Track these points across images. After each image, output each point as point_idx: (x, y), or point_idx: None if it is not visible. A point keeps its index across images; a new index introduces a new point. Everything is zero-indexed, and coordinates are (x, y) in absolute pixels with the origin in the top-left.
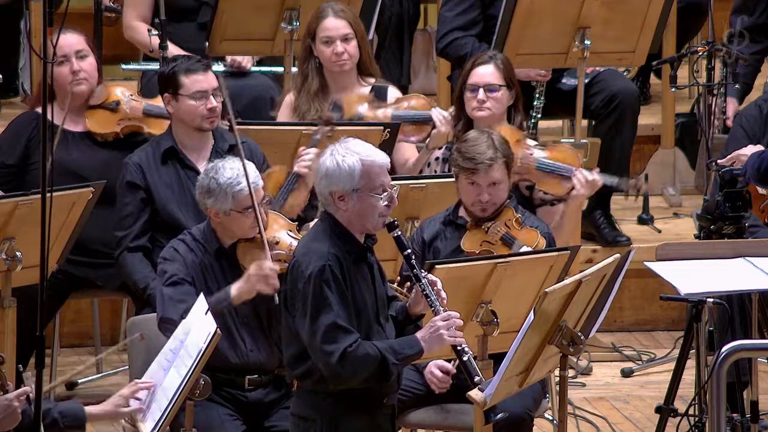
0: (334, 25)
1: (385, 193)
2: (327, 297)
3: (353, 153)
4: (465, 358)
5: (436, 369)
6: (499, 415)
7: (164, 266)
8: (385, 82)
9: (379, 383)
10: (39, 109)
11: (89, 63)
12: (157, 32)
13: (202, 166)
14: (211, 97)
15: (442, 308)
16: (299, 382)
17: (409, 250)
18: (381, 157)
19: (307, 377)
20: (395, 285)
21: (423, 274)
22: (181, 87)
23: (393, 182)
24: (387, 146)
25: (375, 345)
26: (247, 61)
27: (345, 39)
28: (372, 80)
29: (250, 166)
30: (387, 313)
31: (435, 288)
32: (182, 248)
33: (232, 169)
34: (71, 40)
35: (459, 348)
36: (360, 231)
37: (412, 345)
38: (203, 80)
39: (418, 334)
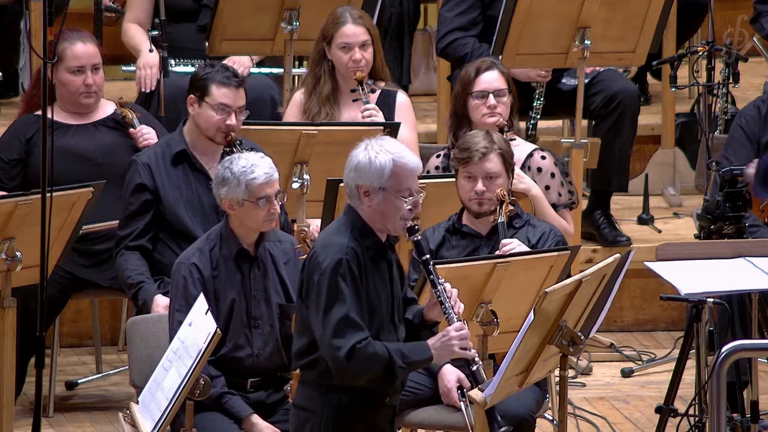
0: (353, 32)
1: (411, 198)
2: (342, 290)
3: (387, 152)
4: (474, 369)
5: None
6: (503, 429)
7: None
8: (395, 85)
9: (383, 385)
10: (37, 112)
11: (100, 76)
12: (157, 32)
13: (212, 170)
14: (233, 114)
15: (456, 318)
16: (304, 372)
17: (428, 256)
18: (413, 161)
19: (313, 368)
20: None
21: (441, 281)
22: (208, 95)
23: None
24: None
25: (385, 345)
26: (243, 69)
27: (363, 46)
28: (382, 84)
29: (266, 159)
30: (401, 315)
31: (451, 297)
32: (201, 262)
33: (246, 159)
34: (90, 52)
35: (469, 360)
36: (380, 230)
37: (422, 351)
38: (231, 95)
39: (430, 342)
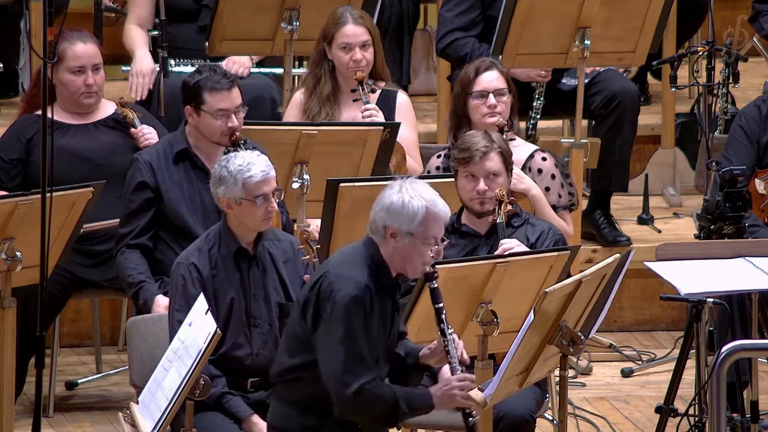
0: (354, 32)
1: (436, 246)
2: (355, 327)
3: (421, 197)
4: (470, 422)
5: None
6: None
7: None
8: (395, 86)
9: (383, 426)
10: (37, 112)
11: (101, 76)
12: (157, 32)
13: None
14: (233, 115)
15: (459, 369)
16: (283, 388)
17: (441, 304)
18: (444, 210)
19: (295, 388)
20: None
21: (450, 331)
22: (204, 104)
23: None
24: (386, 147)
25: (392, 389)
26: (243, 69)
27: (363, 46)
28: (382, 84)
29: (263, 157)
30: (392, 352)
31: (458, 349)
32: (200, 261)
33: (242, 158)
34: (91, 51)
35: (467, 411)
36: (397, 270)
37: (425, 399)
38: (226, 99)
39: (432, 389)
